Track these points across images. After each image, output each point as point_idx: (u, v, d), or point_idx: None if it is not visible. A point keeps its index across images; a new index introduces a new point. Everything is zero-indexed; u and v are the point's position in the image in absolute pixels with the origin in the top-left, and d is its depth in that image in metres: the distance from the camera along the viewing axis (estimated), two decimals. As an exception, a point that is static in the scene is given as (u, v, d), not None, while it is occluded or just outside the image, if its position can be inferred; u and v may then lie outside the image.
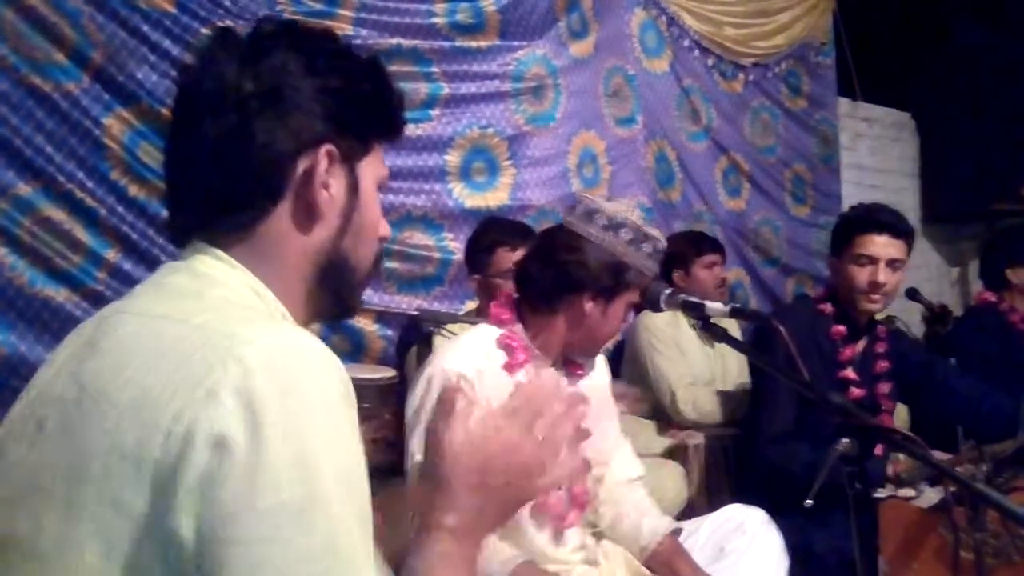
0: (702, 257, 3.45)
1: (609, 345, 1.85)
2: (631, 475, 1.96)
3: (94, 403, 0.80)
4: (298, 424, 0.75)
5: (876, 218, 2.47)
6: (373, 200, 1.00)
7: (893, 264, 2.45)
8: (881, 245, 2.44)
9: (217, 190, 0.91)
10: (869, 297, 2.46)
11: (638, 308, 1.84)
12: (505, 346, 1.72)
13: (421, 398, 1.65)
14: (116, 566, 0.75)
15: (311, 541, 0.73)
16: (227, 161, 0.90)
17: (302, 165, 0.92)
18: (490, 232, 2.90)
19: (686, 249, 3.49)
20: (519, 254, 2.65)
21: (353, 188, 0.96)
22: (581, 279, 1.70)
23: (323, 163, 0.92)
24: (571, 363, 1.83)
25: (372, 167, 0.99)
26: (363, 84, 0.96)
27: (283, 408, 0.74)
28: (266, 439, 0.73)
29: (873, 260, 2.43)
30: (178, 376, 0.76)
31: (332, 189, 0.94)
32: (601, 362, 1.98)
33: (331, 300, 0.99)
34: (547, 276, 1.73)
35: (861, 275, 2.45)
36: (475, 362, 1.66)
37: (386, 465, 2.72)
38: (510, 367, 1.69)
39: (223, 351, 0.77)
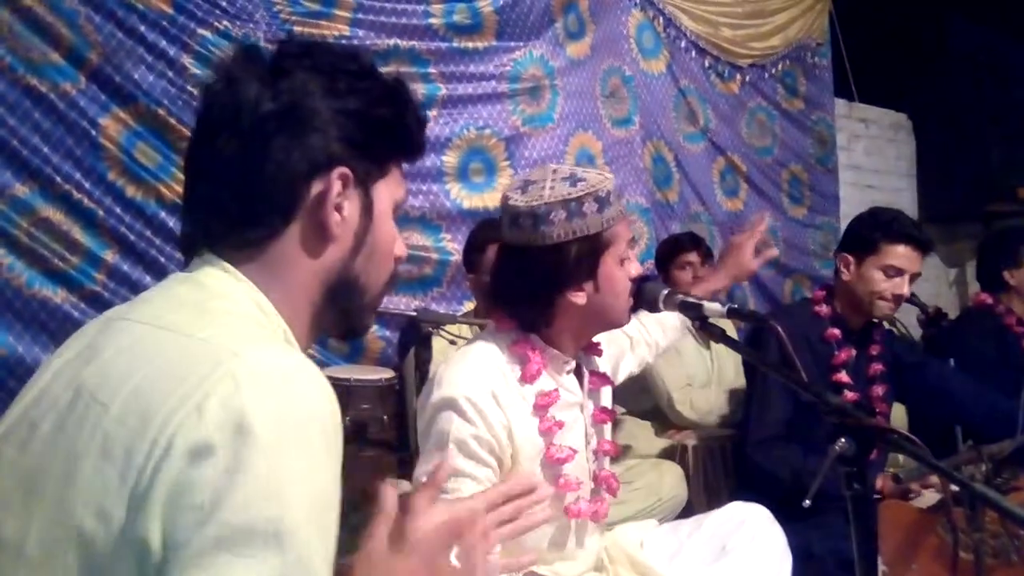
0: (676, 258, 3.48)
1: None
2: (643, 323, 2.01)
3: (88, 408, 0.80)
4: (283, 446, 0.74)
5: (904, 229, 2.44)
6: (388, 221, 0.99)
7: (913, 277, 2.46)
8: (910, 258, 2.43)
9: (229, 207, 0.91)
10: (890, 305, 2.46)
11: (636, 308, 1.81)
12: (519, 357, 1.63)
13: (429, 423, 1.58)
14: (95, 574, 0.75)
15: (275, 563, 0.72)
16: (240, 179, 0.90)
17: (315, 187, 0.91)
18: (483, 230, 2.91)
19: (663, 253, 3.57)
20: None
21: (367, 210, 0.95)
22: (549, 283, 1.59)
23: (336, 186, 0.91)
24: (591, 345, 1.76)
25: (389, 188, 0.98)
26: (382, 107, 0.95)
27: (270, 428, 0.74)
28: (248, 456, 0.73)
29: (900, 272, 2.43)
30: (173, 388, 0.76)
31: (345, 211, 0.93)
32: None
33: (339, 319, 0.99)
34: (522, 299, 1.63)
35: (886, 285, 2.43)
36: (489, 383, 1.57)
37: (387, 466, 2.72)
38: (527, 378, 1.61)
39: (219, 366, 0.77)
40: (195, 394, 0.75)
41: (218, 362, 0.77)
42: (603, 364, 1.83)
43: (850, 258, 2.51)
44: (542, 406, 1.62)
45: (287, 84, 0.90)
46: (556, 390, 1.64)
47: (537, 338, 1.64)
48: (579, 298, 1.60)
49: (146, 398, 0.77)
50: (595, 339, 1.77)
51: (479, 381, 1.57)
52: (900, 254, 2.42)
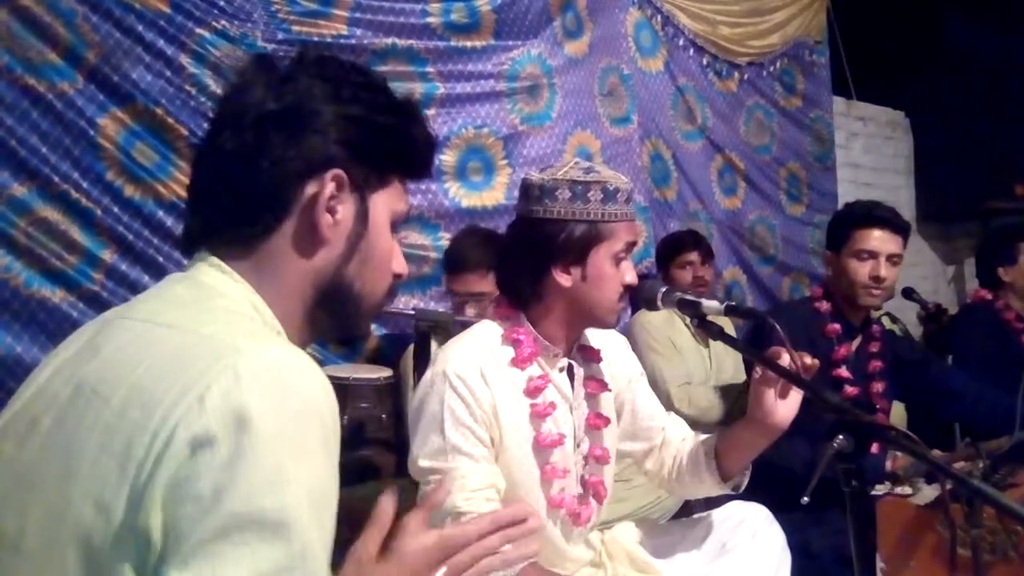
0: (676, 258, 3.49)
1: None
2: (684, 435, 1.91)
3: (89, 403, 0.81)
4: (282, 439, 0.76)
5: (874, 213, 2.49)
6: (385, 233, 1.00)
7: (892, 259, 2.46)
8: (881, 240, 2.45)
9: (226, 203, 0.92)
10: (870, 292, 2.47)
11: (635, 306, 1.82)
12: (512, 341, 1.67)
13: (422, 401, 1.62)
14: (94, 567, 0.76)
15: (278, 553, 0.74)
16: (238, 175, 0.91)
17: (310, 188, 0.92)
18: (457, 248, 2.85)
19: (663, 251, 3.58)
20: (476, 280, 2.64)
21: (362, 217, 0.96)
22: (540, 256, 1.64)
23: (329, 187, 0.92)
24: (587, 349, 1.78)
25: (387, 201, 0.99)
26: (386, 115, 0.96)
27: (270, 421, 0.75)
28: (248, 447, 0.74)
29: (874, 254, 2.45)
30: (174, 382, 0.77)
31: (339, 215, 0.94)
32: (623, 345, 1.94)
33: (333, 324, 1.00)
34: (515, 269, 1.69)
35: (862, 269, 2.46)
36: (478, 361, 1.61)
37: (385, 466, 2.72)
38: (518, 362, 1.65)
39: (220, 360, 0.78)
40: (196, 386, 0.76)
41: (219, 356, 0.78)
42: (607, 378, 1.81)
43: (830, 254, 2.56)
44: (532, 390, 1.65)
45: (291, 86, 0.92)
46: (546, 375, 1.68)
47: (529, 326, 1.69)
48: (565, 280, 1.64)
49: (147, 391, 0.78)
50: (596, 345, 1.78)
51: (468, 358, 1.62)
52: (870, 237, 2.46)
